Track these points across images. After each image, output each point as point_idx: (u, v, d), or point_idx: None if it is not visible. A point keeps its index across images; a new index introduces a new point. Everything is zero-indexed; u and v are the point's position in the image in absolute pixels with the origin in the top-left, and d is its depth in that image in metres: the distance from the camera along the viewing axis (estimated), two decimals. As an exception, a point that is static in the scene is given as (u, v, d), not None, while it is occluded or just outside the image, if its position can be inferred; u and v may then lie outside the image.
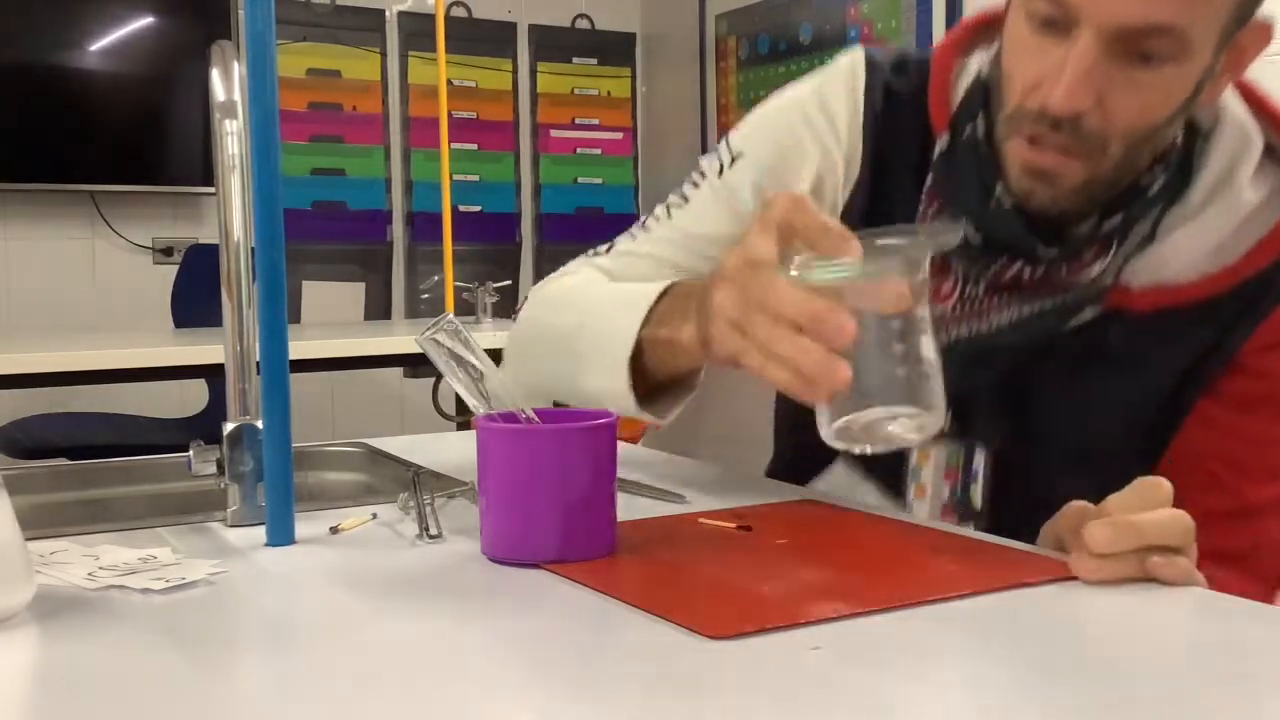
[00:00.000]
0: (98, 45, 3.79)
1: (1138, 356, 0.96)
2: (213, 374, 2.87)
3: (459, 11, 4.40)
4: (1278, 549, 0.97)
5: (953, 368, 0.89)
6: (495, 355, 0.86)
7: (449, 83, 3.83)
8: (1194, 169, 0.94)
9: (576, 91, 4.65)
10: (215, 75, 0.96)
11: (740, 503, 0.99)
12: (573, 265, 1.13)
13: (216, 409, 2.81)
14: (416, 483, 0.95)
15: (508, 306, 4.39)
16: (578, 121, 4.66)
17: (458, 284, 3.61)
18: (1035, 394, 0.98)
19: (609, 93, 4.71)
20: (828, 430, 0.79)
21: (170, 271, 3.70)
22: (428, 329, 0.81)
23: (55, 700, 0.59)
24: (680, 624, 0.67)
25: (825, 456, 1.04)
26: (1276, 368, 0.95)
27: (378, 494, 1.19)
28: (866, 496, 1.05)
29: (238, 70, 0.95)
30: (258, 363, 0.88)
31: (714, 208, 1.05)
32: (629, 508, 0.92)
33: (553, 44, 4.60)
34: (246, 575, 0.80)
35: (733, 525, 0.90)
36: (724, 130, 2.34)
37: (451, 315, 0.83)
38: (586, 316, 1.00)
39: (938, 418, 0.77)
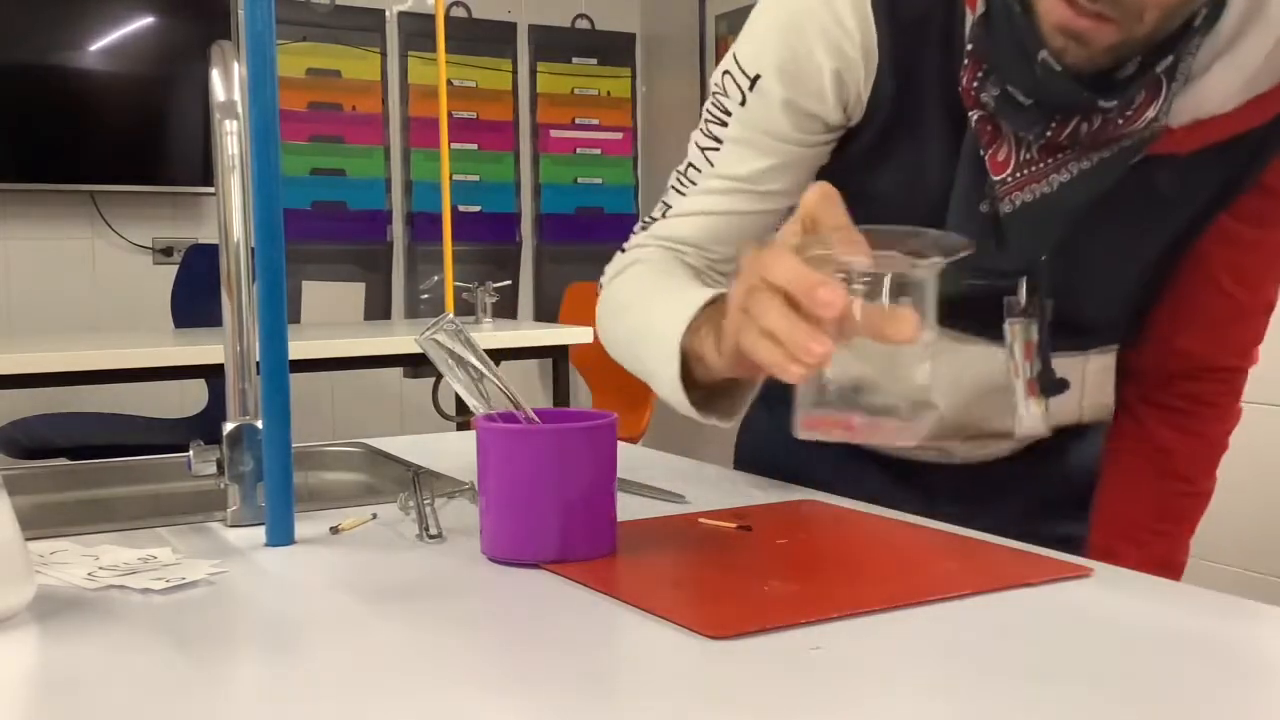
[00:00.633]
0: (98, 45, 3.79)
1: (1180, 194, 0.99)
2: (213, 374, 2.87)
3: (459, 11, 4.40)
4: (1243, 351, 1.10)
5: (1019, 237, 0.94)
6: (495, 355, 0.86)
7: (449, 83, 3.83)
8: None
9: (576, 91, 4.65)
10: (215, 75, 0.96)
11: (740, 503, 0.99)
12: (635, 241, 1.11)
13: (216, 409, 2.81)
14: (416, 483, 0.95)
15: (508, 306, 4.41)
16: (578, 121, 4.66)
17: (458, 284, 3.61)
18: (1088, 245, 0.99)
19: (609, 93, 4.71)
20: (801, 416, 0.77)
21: (170, 271, 3.70)
22: (428, 329, 0.81)
23: (55, 700, 0.59)
24: (680, 624, 0.67)
25: None
26: None
27: (378, 494, 1.19)
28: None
29: (238, 70, 0.95)
30: (258, 363, 0.88)
31: (752, 141, 1.03)
32: (629, 508, 0.92)
33: (553, 44, 4.60)
34: (246, 575, 0.80)
35: (733, 525, 0.90)
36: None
37: (451, 315, 0.83)
38: (639, 339, 1.01)
39: (909, 439, 0.76)
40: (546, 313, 4.55)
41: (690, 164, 1.07)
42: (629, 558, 0.82)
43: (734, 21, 4.31)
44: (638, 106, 4.76)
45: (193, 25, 3.88)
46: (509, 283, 4.19)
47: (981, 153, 0.94)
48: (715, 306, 0.92)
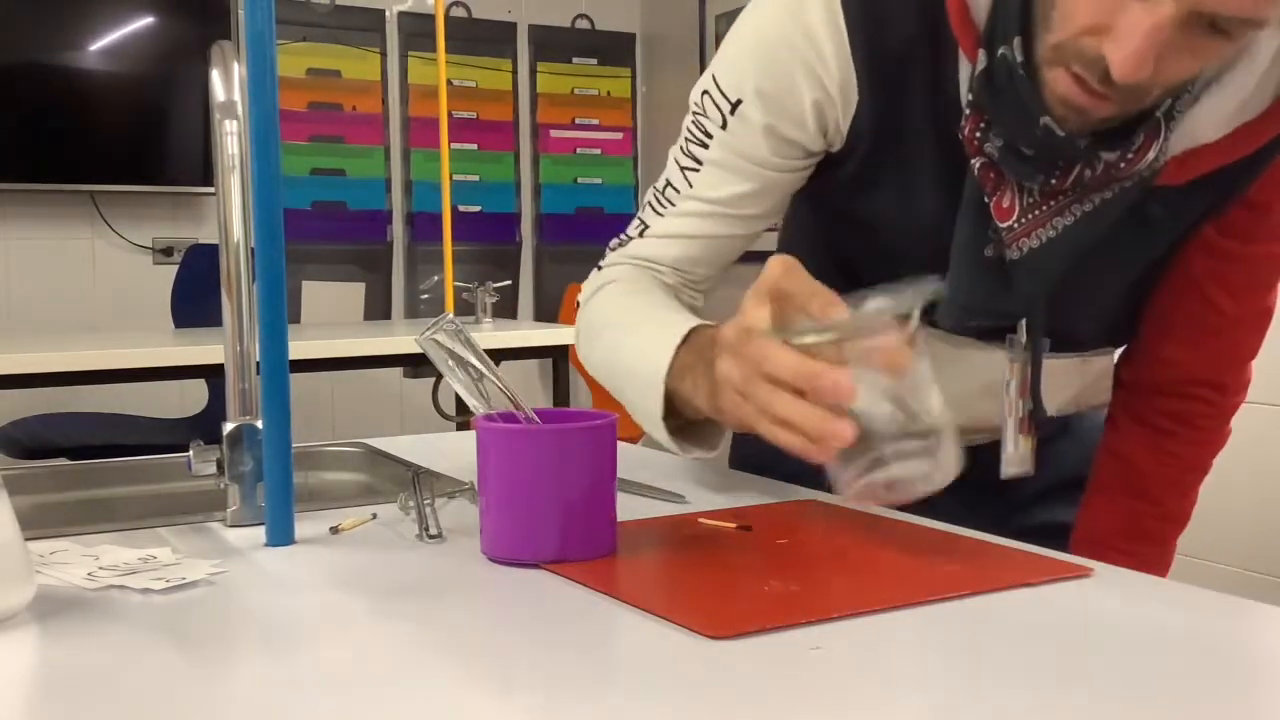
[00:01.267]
0: (98, 45, 3.79)
1: (1171, 221, 1.00)
2: (213, 374, 2.87)
3: (459, 11, 4.40)
4: (1240, 366, 1.11)
5: (1025, 281, 0.95)
6: (495, 355, 0.87)
7: (449, 83, 3.83)
8: None
9: (576, 91, 4.65)
10: (215, 75, 0.96)
11: (740, 503, 0.99)
12: (611, 259, 1.12)
13: (216, 409, 2.81)
14: (416, 483, 0.95)
15: (508, 306, 4.41)
16: (578, 121, 4.66)
17: (458, 284, 3.61)
18: (1080, 273, 0.99)
19: (609, 93, 4.71)
20: (844, 489, 0.80)
21: (170, 271, 3.69)
22: (428, 329, 0.81)
23: (55, 700, 0.59)
24: (680, 624, 0.67)
25: None
26: (1273, 199, 1.00)
27: (378, 494, 1.19)
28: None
29: (238, 70, 0.95)
30: (258, 363, 0.88)
31: (731, 165, 1.03)
32: (629, 508, 0.92)
33: (553, 44, 4.60)
34: (246, 575, 0.80)
35: (733, 525, 0.90)
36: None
37: (451, 315, 0.83)
38: (620, 372, 1.02)
39: (947, 471, 0.78)
40: (546, 313, 4.55)
41: (669, 183, 1.07)
42: (629, 558, 0.82)
43: (734, 22, 4.30)
44: (638, 106, 4.76)
45: (193, 25, 3.88)
46: (509, 283, 4.19)
47: (986, 200, 0.94)
48: (695, 345, 0.93)
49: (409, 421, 4.24)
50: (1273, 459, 2.56)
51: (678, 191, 1.06)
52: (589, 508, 0.81)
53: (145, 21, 3.86)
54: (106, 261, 3.93)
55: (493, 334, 3.22)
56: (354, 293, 4.31)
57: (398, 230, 4.38)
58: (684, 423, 0.97)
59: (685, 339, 0.94)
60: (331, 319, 4.14)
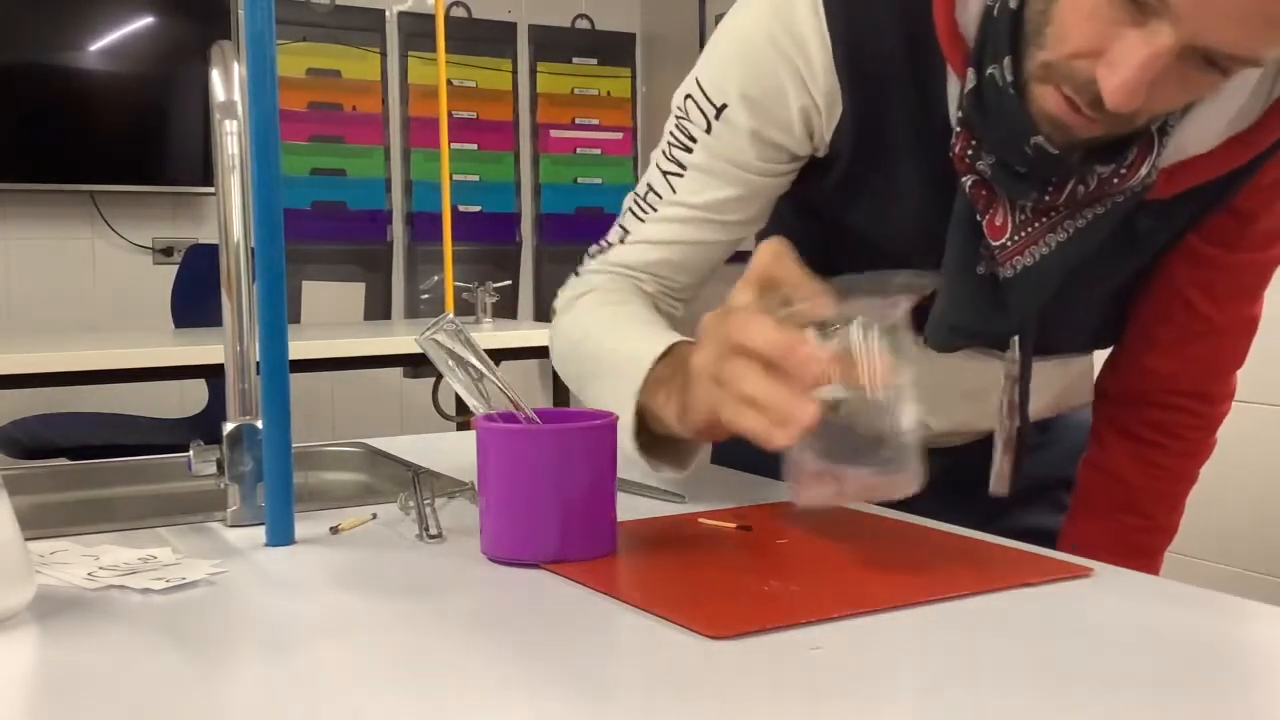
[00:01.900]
0: (98, 45, 3.79)
1: (1159, 233, 1.00)
2: (213, 374, 2.87)
3: (459, 11, 4.40)
4: (1225, 376, 1.11)
5: (1019, 299, 0.95)
6: (495, 355, 0.87)
7: (449, 83, 3.83)
8: None
9: (576, 91, 4.65)
10: (215, 75, 0.96)
11: (740, 503, 0.99)
12: (590, 266, 1.10)
13: (216, 409, 2.81)
14: (417, 483, 0.95)
15: (508, 306, 4.41)
16: (578, 121, 4.66)
17: (458, 284, 3.61)
18: (1071, 291, 0.99)
19: (609, 93, 4.71)
20: (795, 485, 0.78)
21: (170, 271, 3.69)
22: (428, 329, 0.81)
23: (55, 700, 0.59)
24: (680, 624, 0.67)
25: None
26: (1258, 207, 1.00)
27: (378, 494, 1.19)
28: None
29: (238, 70, 0.95)
30: (258, 363, 0.88)
31: (716, 170, 1.02)
32: (629, 508, 0.92)
33: (553, 44, 4.60)
34: (246, 575, 0.80)
35: (733, 525, 0.90)
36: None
37: (451, 315, 0.83)
38: (595, 383, 1.01)
39: (905, 485, 0.76)
40: (546, 313, 4.52)
41: (650, 188, 1.05)
42: (629, 558, 0.82)
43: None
44: (638, 106, 4.76)
45: (193, 25, 3.88)
46: (509, 283, 4.19)
47: (978, 218, 0.93)
48: (671, 360, 0.92)
49: (409, 421, 4.24)
50: (1273, 459, 2.56)
51: (660, 197, 1.05)
52: (589, 508, 0.81)
53: (145, 21, 3.87)
54: (106, 261, 3.93)
55: (493, 334, 3.22)
56: (354, 293, 4.31)
57: (398, 230, 4.38)
58: (656, 440, 0.95)
59: (663, 355, 0.92)
60: (331, 319, 4.14)
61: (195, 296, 3.45)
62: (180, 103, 3.92)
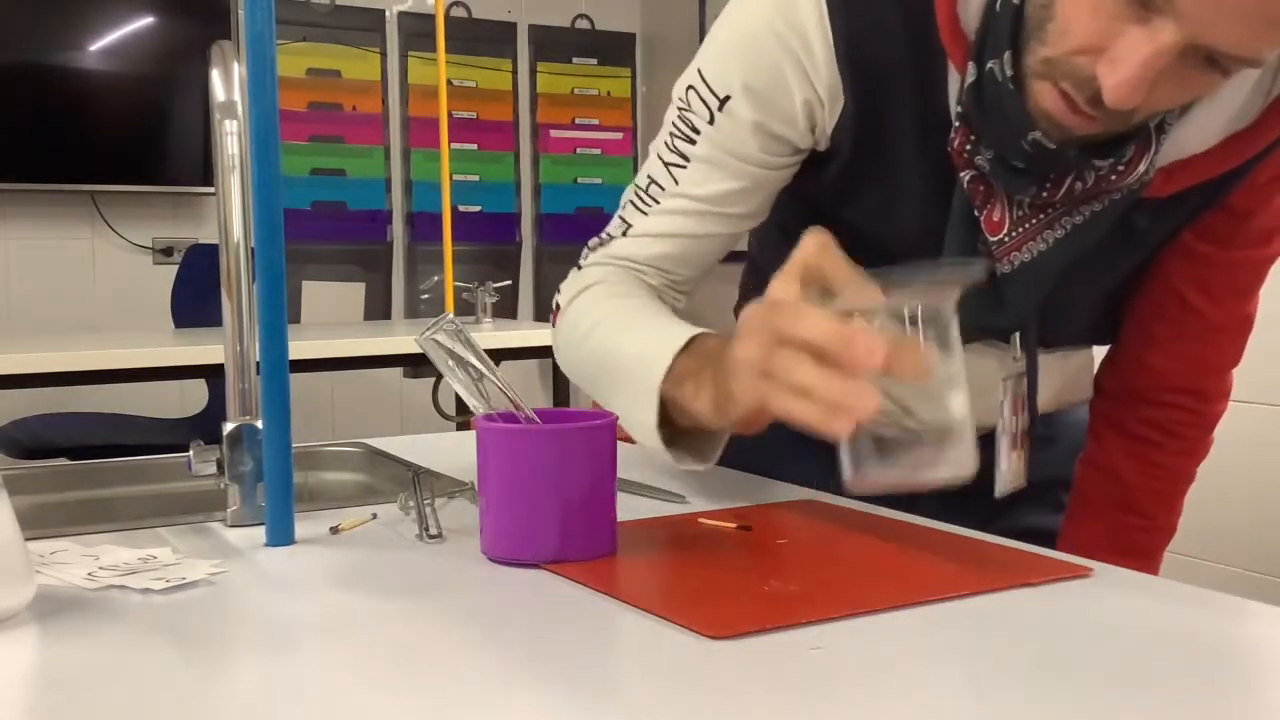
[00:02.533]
0: (98, 45, 3.79)
1: (1156, 231, 1.00)
2: (213, 374, 2.87)
3: (459, 11, 4.40)
4: (1222, 372, 1.11)
5: (1017, 295, 0.95)
6: (495, 355, 0.86)
7: (449, 83, 3.83)
8: None
9: (576, 91, 4.65)
10: (215, 75, 0.96)
11: (740, 503, 0.99)
12: (592, 259, 1.09)
13: (216, 409, 2.81)
14: (417, 483, 0.95)
15: (508, 306, 4.41)
16: (578, 121, 4.66)
17: (458, 284, 3.61)
18: (1068, 288, 0.99)
19: (609, 93, 4.71)
20: (851, 477, 0.77)
21: (170, 271, 3.69)
22: (428, 329, 0.81)
23: (55, 700, 0.59)
24: (680, 624, 0.67)
25: None
26: (1254, 205, 1.00)
27: (378, 494, 1.19)
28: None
29: (238, 70, 0.95)
30: (258, 363, 0.88)
31: (719, 162, 1.01)
32: (629, 508, 0.92)
33: (553, 44, 4.60)
34: (246, 575, 0.80)
35: (733, 525, 0.90)
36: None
37: (451, 315, 0.83)
38: (609, 379, 0.99)
39: (961, 469, 0.75)
40: (546, 313, 4.54)
41: (653, 180, 1.05)
42: (629, 558, 0.82)
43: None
44: (638, 106, 4.76)
45: (193, 25, 3.88)
46: (509, 283, 4.19)
47: (976, 214, 0.93)
48: (695, 353, 0.91)
49: (409, 421, 4.24)
50: (1273, 459, 2.56)
51: (662, 189, 1.04)
52: (589, 508, 0.81)
53: (145, 21, 3.87)
54: (106, 261, 3.93)
55: (493, 334, 3.22)
56: (354, 293, 4.31)
57: (398, 230, 4.38)
58: (676, 433, 0.94)
59: (686, 346, 0.92)
60: (331, 319, 4.14)
61: (195, 296, 3.45)
62: (180, 103, 3.92)
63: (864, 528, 0.92)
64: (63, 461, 2.82)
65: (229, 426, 0.93)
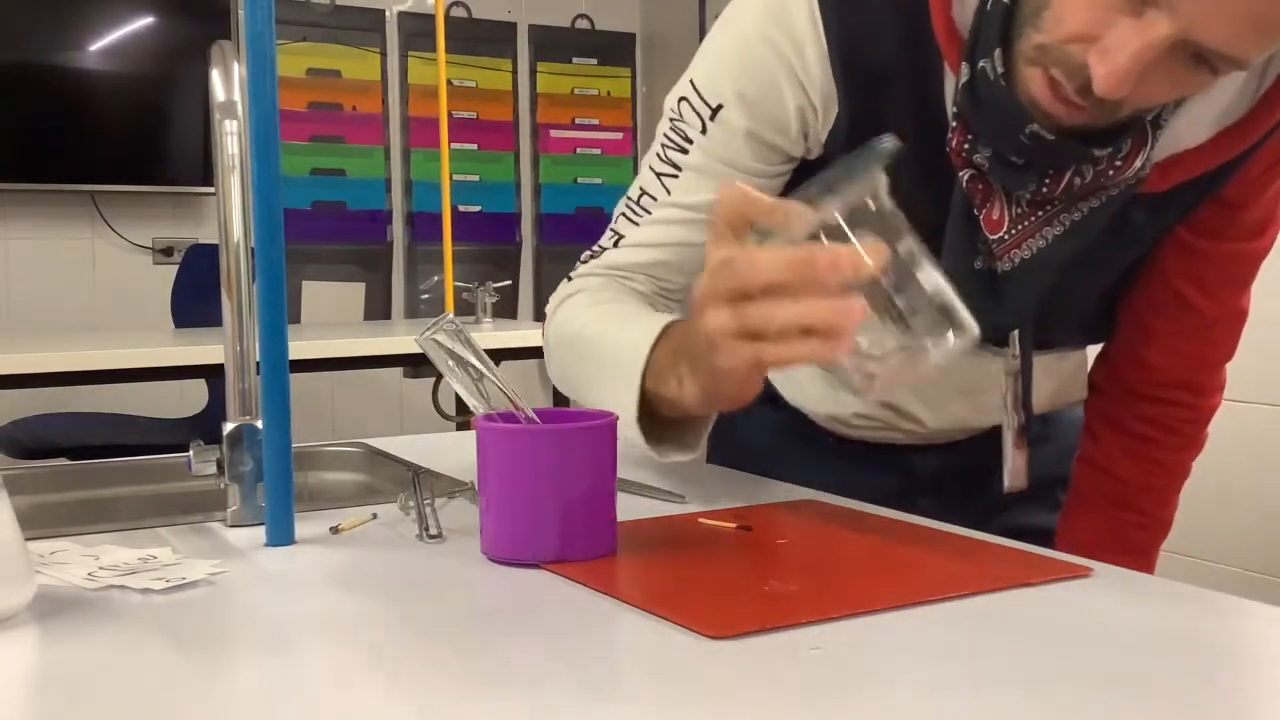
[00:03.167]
0: (98, 45, 3.79)
1: (1151, 228, 1.01)
2: (213, 374, 2.87)
3: (459, 11, 4.40)
4: (1217, 368, 1.11)
5: (1017, 292, 0.95)
6: (495, 355, 0.86)
7: (449, 83, 3.83)
8: None
9: (576, 91, 4.65)
10: (215, 75, 0.96)
11: (740, 503, 0.99)
12: (582, 270, 1.09)
13: (216, 409, 2.81)
14: (417, 483, 0.95)
15: (508, 306, 4.40)
16: (578, 121, 4.66)
17: (458, 284, 3.61)
18: (1065, 285, 0.99)
19: (609, 93, 4.71)
20: (865, 391, 0.75)
21: (170, 271, 3.70)
22: (428, 329, 0.81)
23: (55, 700, 0.59)
24: (680, 624, 0.67)
25: None
26: (1245, 198, 1.01)
27: (378, 494, 1.19)
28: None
29: (238, 70, 0.95)
30: (258, 363, 0.88)
31: (711, 171, 1.01)
32: (629, 508, 0.92)
33: (553, 44, 4.60)
34: (246, 575, 0.80)
35: (733, 525, 0.90)
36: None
37: (451, 315, 0.83)
38: (591, 376, 0.99)
39: (965, 339, 0.73)
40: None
41: (644, 191, 1.05)
42: (629, 558, 0.82)
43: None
44: (638, 106, 4.76)
45: (193, 25, 3.88)
46: (509, 283, 4.19)
47: (976, 212, 0.93)
48: (668, 344, 0.90)
49: (409, 421, 4.24)
50: (1273, 459, 2.56)
51: (654, 199, 1.04)
52: (589, 508, 0.81)
53: (145, 21, 3.87)
54: (106, 261, 3.93)
55: (493, 334, 3.22)
56: (354, 293, 4.31)
57: (398, 230, 4.38)
58: (660, 427, 0.94)
59: (661, 335, 0.91)
60: (331, 319, 4.14)
61: (195, 296, 3.45)
62: (180, 103, 3.92)
63: (864, 528, 0.92)
64: (63, 461, 2.82)
65: (229, 426, 0.93)
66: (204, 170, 3.88)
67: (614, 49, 4.71)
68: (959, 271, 0.96)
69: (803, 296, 0.71)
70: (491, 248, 4.51)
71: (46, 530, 0.90)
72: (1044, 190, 0.91)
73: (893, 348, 0.74)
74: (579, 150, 4.67)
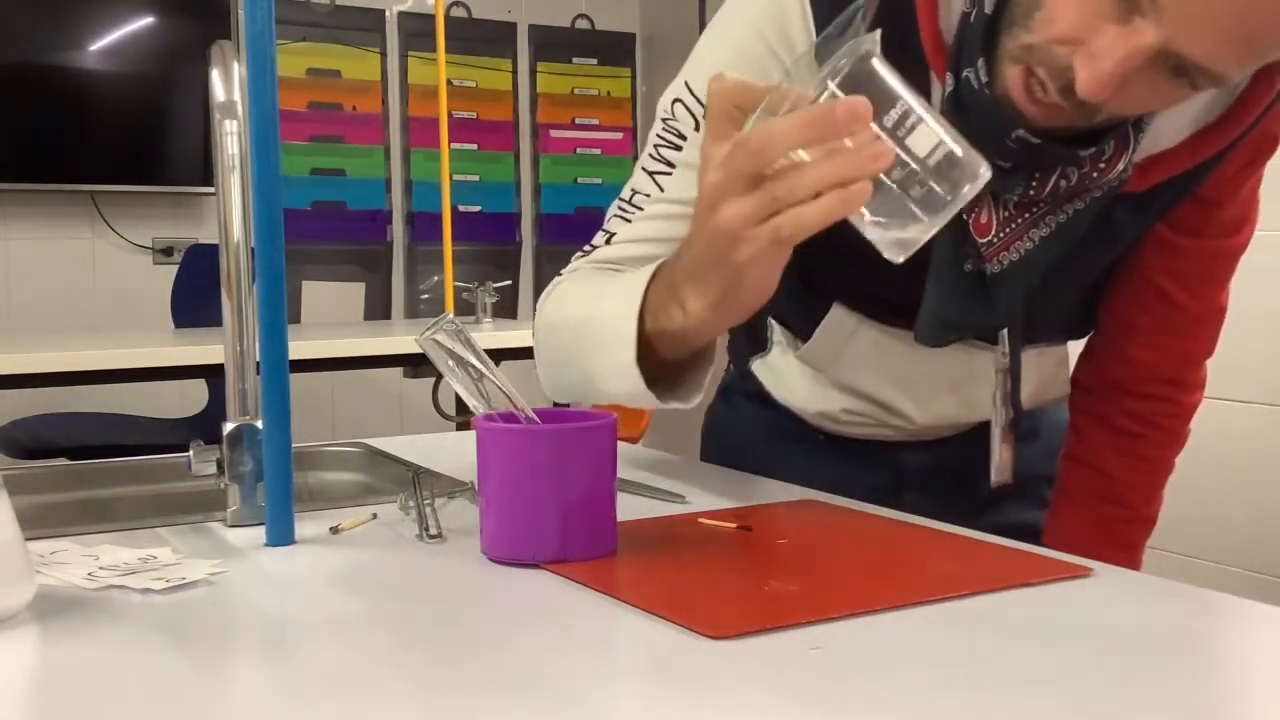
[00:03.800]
0: (98, 45, 3.79)
1: (1133, 227, 1.02)
2: (213, 374, 2.87)
3: (459, 11, 4.40)
4: (1199, 359, 1.13)
5: (1006, 293, 0.97)
6: (495, 355, 0.86)
7: (449, 83, 3.83)
8: None
9: (576, 91, 4.65)
10: (215, 75, 0.96)
11: (740, 503, 0.99)
12: (573, 265, 1.09)
13: (216, 409, 2.81)
14: (417, 483, 0.95)
15: (508, 306, 4.40)
16: (578, 121, 4.66)
17: (458, 284, 3.61)
18: (1049, 284, 1.01)
19: (609, 93, 4.71)
20: (894, 251, 0.74)
21: (170, 271, 3.70)
22: (428, 329, 0.81)
23: (55, 700, 0.59)
24: (680, 624, 0.67)
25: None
26: (1221, 196, 1.03)
27: (378, 494, 1.19)
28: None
29: (238, 70, 0.95)
30: (258, 363, 0.88)
31: None
32: (629, 508, 0.92)
33: (553, 44, 4.60)
34: (246, 575, 0.80)
35: (733, 525, 0.90)
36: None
37: (451, 315, 0.83)
38: (586, 327, 0.98)
39: (977, 176, 0.73)
40: (545, 314, 4.54)
41: (636, 191, 1.05)
42: (629, 558, 0.82)
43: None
44: (638, 106, 4.76)
45: (193, 25, 3.88)
46: (509, 283, 4.19)
47: (965, 217, 0.95)
48: (661, 279, 0.90)
49: (409, 421, 4.23)
50: (1273, 459, 2.56)
51: (647, 196, 1.04)
52: (589, 508, 0.81)
53: (145, 21, 3.86)
54: (106, 261, 3.92)
55: (493, 334, 3.22)
56: (354, 293, 4.31)
57: (398, 230, 4.38)
58: (657, 375, 0.93)
59: (653, 278, 0.91)
60: (331, 319, 4.14)
61: (195, 296, 3.45)
62: (180, 103, 3.92)
63: (864, 528, 0.92)
64: (63, 461, 2.82)
65: (229, 426, 0.93)
66: (204, 170, 3.88)
67: (614, 49, 4.71)
68: (949, 275, 0.97)
69: (824, 157, 0.70)
70: (491, 248, 4.51)
71: (46, 530, 0.90)
72: (1030, 193, 0.93)
73: (909, 209, 0.73)
74: (579, 150, 4.67)
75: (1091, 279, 1.07)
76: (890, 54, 0.94)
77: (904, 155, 0.72)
